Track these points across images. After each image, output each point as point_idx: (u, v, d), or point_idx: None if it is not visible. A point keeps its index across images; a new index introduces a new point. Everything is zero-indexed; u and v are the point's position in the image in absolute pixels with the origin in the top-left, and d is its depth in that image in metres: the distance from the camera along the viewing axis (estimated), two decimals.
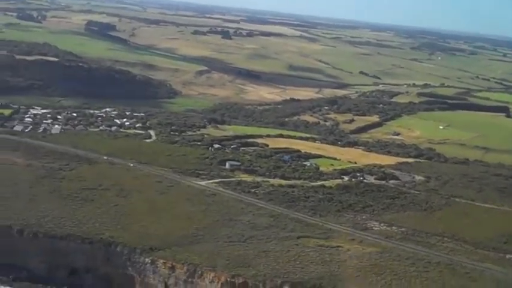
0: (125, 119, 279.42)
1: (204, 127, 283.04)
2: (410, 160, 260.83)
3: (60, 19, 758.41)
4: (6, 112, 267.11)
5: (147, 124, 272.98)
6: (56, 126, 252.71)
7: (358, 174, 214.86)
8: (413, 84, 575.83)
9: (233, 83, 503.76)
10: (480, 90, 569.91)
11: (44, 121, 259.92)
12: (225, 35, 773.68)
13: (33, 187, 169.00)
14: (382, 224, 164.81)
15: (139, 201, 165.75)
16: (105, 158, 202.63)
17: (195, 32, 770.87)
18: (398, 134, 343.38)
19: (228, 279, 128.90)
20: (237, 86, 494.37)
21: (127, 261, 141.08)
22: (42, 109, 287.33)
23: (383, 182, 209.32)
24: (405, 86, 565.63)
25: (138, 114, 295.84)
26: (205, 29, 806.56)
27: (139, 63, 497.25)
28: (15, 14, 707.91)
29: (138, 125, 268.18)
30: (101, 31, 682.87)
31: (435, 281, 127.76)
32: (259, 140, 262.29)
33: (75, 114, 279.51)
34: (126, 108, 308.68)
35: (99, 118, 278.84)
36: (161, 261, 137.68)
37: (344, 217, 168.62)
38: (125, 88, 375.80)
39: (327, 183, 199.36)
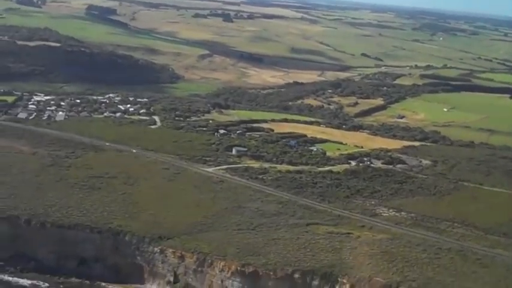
0: (128, 105, 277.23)
1: (209, 112, 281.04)
2: (416, 144, 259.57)
3: (60, 3, 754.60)
4: (10, 99, 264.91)
5: (151, 110, 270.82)
6: (60, 113, 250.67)
7: (365, 159, 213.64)
8: (416, 65, 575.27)
9: (235, 67, 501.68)
10: (483, 71, 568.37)
11: (48, 108, 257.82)
12: (226, 17, 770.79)
13: (40, 175, 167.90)
14: (391, 210, 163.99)
15: (146, 189, 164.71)
16: (107, 144, 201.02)
17: (196, 15, 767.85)
18: (402, 117, 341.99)
19: (238, 268, 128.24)
20: (240, 70, 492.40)
21: (136, 250, 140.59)
22: (45, 96, 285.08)
23: (390, 166, 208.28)
24: (408, 67, 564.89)
25: (142, 100, 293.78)
26: (205, 12, 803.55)
27: (140, 47, 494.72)
28: None
29: (142, 111, 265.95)
30: (102, 15, 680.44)
31: (447, 268, 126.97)
32: (264, 125, 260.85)
33: (78, 101, 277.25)
34: (129, 94, 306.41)
35: (103, 104, 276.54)
36: (170, 250, 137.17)
37: (353, 203, 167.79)
38: (127, 73, 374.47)
39: (334, 168, 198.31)
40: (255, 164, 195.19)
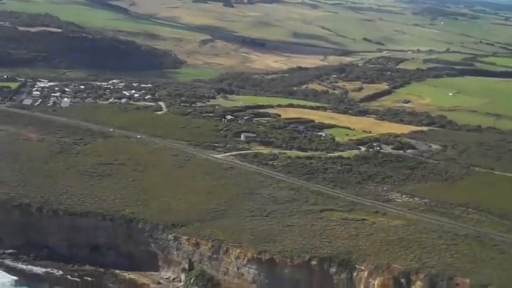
0: (133, 91, 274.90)
1: (214, 98, 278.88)
2: (424, 128, 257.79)
3: None
4: (13, 85, 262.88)
5: (156, 95, 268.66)
6: (65, 99, 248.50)
7: (375, 144, 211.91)
8: (418, 50, 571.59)
9: (237, 52, 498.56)
10: (486, 56, 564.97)
11: (53, 94, 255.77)
12: (227, 2, 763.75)
13: (49, 163, 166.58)
14: (404, 196, 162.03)
15: (157, 176, 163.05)
16: (111, 130, 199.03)
17: (196, 0, 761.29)
18: (408, 102, 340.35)
19: (255, 255, 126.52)
20: (242, 55, 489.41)
21: (149, 237, 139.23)
22: (49, 82, 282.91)
23: (400, 151, 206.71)
24: (409, 52, 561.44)
25: (146, 86, 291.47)
26: None
27: (142, 33, 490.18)
28: None
29: (147, 97, 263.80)
30: (101, 0, 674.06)
31: (465, 254, 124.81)
32: (270, 110, 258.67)
33: (83, 87, 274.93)
34: (132, 80, 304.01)
35: (107, 90, 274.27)
36: (185, 237, 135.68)
37: (365, 189, 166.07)
38: (129, 58, 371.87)
39: (344, 154, 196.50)
40: (265, 150, 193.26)
